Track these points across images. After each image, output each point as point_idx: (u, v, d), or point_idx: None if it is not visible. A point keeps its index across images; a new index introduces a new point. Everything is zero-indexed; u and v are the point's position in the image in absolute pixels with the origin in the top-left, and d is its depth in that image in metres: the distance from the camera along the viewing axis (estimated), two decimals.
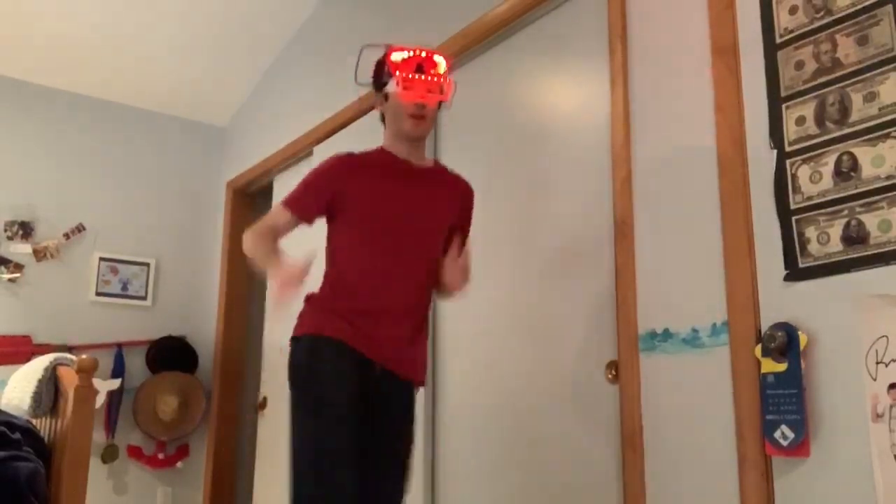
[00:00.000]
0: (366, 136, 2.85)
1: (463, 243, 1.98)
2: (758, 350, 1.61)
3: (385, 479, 1.80)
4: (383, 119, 1.94)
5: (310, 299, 1.88)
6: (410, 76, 1.81)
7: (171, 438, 4.09)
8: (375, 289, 1.82)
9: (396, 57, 1.84)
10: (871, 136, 1.49)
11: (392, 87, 1.83)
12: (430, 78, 1.83)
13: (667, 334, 1.84)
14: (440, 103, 1.90)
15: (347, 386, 1.74)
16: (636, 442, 1.86)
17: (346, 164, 1.90)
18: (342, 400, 1.72)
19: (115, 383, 3.88)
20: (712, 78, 1.81)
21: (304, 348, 1.80)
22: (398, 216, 1.85)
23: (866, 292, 1.45)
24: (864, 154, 1.50)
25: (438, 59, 1.87)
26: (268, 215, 1.93)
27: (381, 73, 1.88)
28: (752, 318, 1.64)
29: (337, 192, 1.86)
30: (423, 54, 1.85)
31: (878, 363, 1.39)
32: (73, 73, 4.05)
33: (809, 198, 1.58)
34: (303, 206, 1.90)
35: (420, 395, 2.56)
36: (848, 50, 1.55)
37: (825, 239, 1.54)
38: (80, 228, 4.06)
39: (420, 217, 1.87)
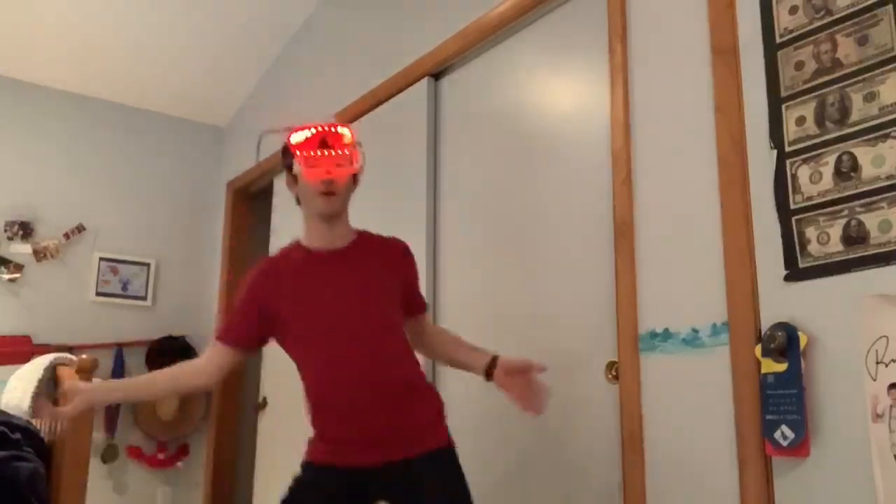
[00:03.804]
0: (366, 137, 2.85)
1: (419, 304, 1.93)
2: (758, 350, 1.61)
3: None
4: (298, 202, 1.86)
5: None
6: (314, 154, 1.76)
7: (171, 438, 4.09)
8: (334, 392, 1.74)
9: (297, 138, 1.78)
10: (871, 136, 1.49)
11: (297, 167, 1.78)
12: (335, 152, 1.77)
13: (667, 334, 1.84)
14: (354, 175, 1.83)
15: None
16: (636, 442, 1.86)
17: (262, 275, 1.84)
18: None
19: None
20: (712, 78, 1.81)
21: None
22: (327, 312, 1.76)
23: (866, 292, 1.45)
24: (864, 154, 1.50)
25: (343, 130, 1.81)
26: (205, 352, 1.88)
27: (287, 155, 1.81)
28: (752, 318, 1.64)
29: (263, 313, 1.80)
30: (327, 128, 1.79)
31: (878, 363, 1.39)
32: (74, 73, 4.05)
33: (809, 198, 1.58)
34: (228, 330, 1.85)
35: None
36: (848, 50, 1.55)
37: (825, 239, 1.54)
38: (80, 228, 4.05)
39: (351, 300, 1.77)
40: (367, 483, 1.71)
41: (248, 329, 1.83)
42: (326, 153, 1.77)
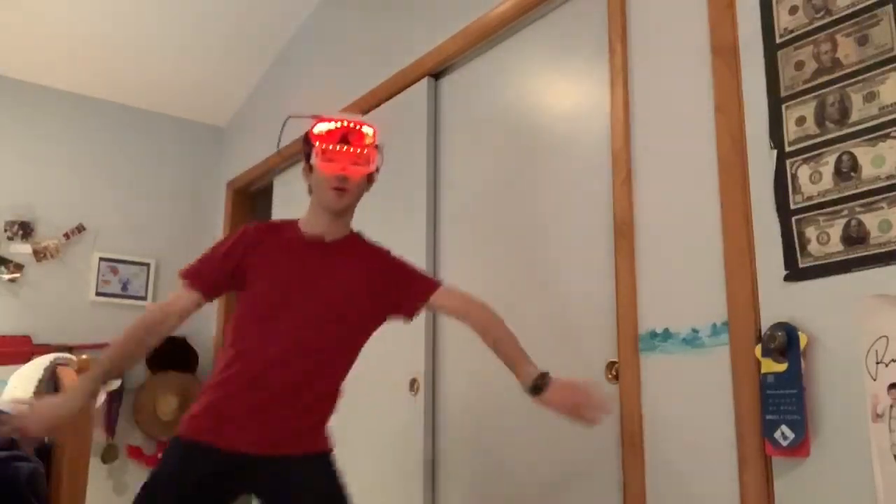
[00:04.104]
0: None
1: (426, 286, 1.87)
2: (758, 350, 1.61)
3: None
4: (311, 191, 1.87)
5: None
6: (333, 147, 1.76)
7: (171, 438, 4.09)
8: (263, 372, 1.70)
9: (320, 128, 1.79)
10: (871, 136, 1.49)
11: (314, 158, 1.78)
12: (355, 150, 1.77)
13: (667, 334, 1.84)
14: (369, 175, 1.84)
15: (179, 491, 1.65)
16: (636, 442, 1.86)
17: (250, 234, 1.84)
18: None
19: (115, 383, 3.87)
20: (712, 78, 1.81)
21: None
22: (295, 296, 1.75)
23: (866, 292, 1.45)
24: (864, 154, 1.50)
25: (367, 129, 1.81)
26: (169, 295, 1.83)
27: (308, 144, 1.82)
28: (752, 318, 1.64)
29: (239, 263, 1.79)
30: (351, 125, 1.80)
31: (878, 363, 1.39)
32: (73, 73, 4.04)
33: (809, 198, 1.58)
34: (200, 275, 1.81)
35: (420, 396, 2.57)
36: (848, 50, 1.55)
37: (825, 239, 1.54)
38: (80, 228, 4.05)
39: (322, 290, 1.77)
40: (240, 470, 1.68)
41: (218, 280, 1.82)
42: (345, 149, 1.78)
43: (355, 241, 1.91)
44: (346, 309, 1.81)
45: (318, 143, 1.78)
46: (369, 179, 1.88)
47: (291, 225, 1.88)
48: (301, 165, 1.91)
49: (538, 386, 1.70)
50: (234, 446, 1.68)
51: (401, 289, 1.88)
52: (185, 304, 1.80)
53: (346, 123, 1.81)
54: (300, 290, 1.77)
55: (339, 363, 1.81)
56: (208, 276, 1.83)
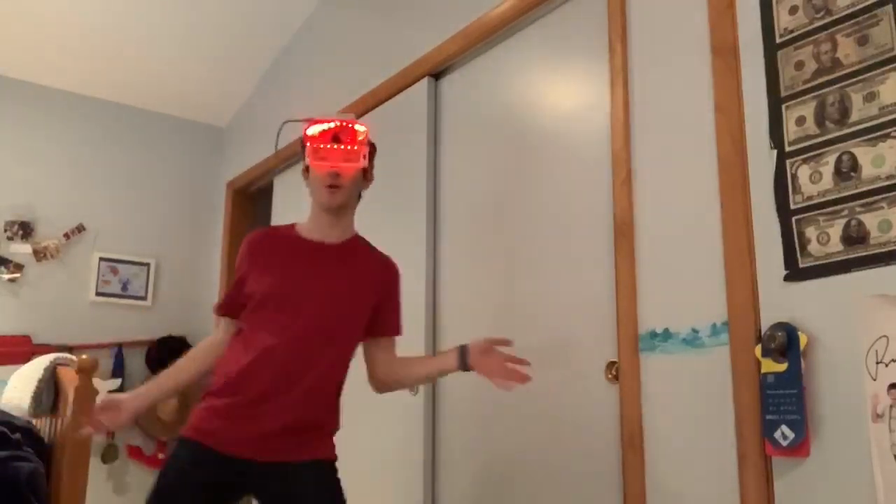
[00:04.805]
0: None
1: (395, 326, 1.91)
2: (758, 350, 1.61)
3: None
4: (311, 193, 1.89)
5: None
6: (324, 146, 1.79)
7: (171, 438, 4.08)
8: (263, 375, 1.72)
9: (313, 130, 1.82)
10: (871, 136, 1.49)
11: (307, 159, 1.82)
12: (345, 147, 1.80)
13: (667, 334, 1.84)
14: (364, 173, 1.86)
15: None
16: (636, 442, 1.86)
17: (249, 247, 1.87)
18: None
19: (115, 383, 3.88)
20: (712, 78, 1.81)
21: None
22: (295, 298, 1.77)
23: (866, 292, 1.45)
24: (864, 154, 1.50)
25: (359, 127, 1.84)
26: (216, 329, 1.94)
27: (304, 147, 1.85)
28: (752, 318, 1.64)
29: (243, 278, 1.84)
30: (343, 124, 1.82)
31: (878, 363, 1.39)
32: (74, 73, 4.05)
33: (809, 198, 1.58)
34: (223, 303, 1.90)
35: (420, 396, 2.57)
36: (848, 50, 1.55)
37: (825, 239, 1.54)
38: (80, 228, 4.06)
39: (322, 296, 1.79)
40: (241, 474, 1.70)
41: (236, 299, 1.86)
42: (336, 147, 1.80)
43: (356, 245, 1.91)
44: (341, 314, 1.81)
45: (310, 144, 1.81)
46: (366, 177, 1.89)
47: (289, 229, 1.90)
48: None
49: (463, 361, 1.80)
50: (235, 452, 1.70)
51: (381, 314, 1.89)
52: (221, 333, 1.91)
53: (337, 123, 1.83)
54: (298, 294, 1.78)
55: (335, 369, 1.82)
56: (227, 300, 1.89)
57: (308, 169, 1.85)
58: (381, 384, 1.93)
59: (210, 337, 1.94)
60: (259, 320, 1.78)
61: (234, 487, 1.74)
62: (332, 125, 1.82)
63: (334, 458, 1.79)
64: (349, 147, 1.80)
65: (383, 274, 1.91)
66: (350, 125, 1.84)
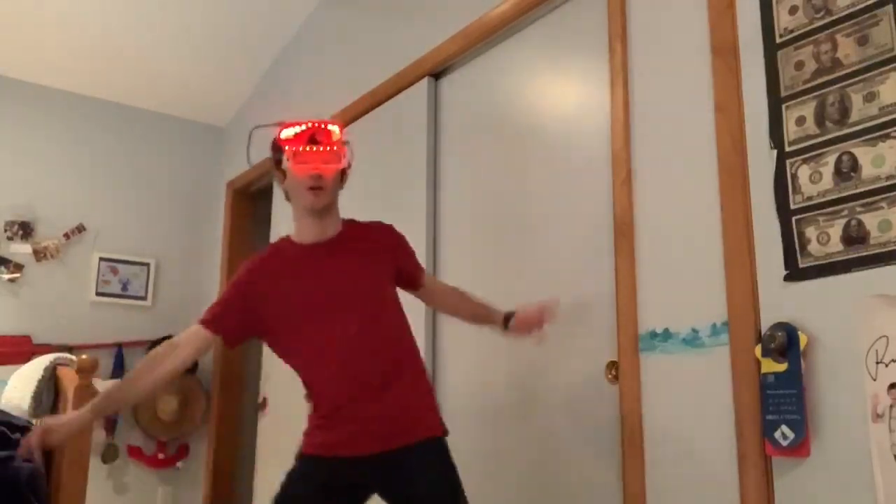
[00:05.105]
0: (366, 137, 2.86)
1: (418, 278, 1.97)
2: (758, 350, 1.61)
3: None
4: (288, 197, 1.89)
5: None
6: (303, 149, 1.79)
7: (171, 438, 4.09)
8: (326, 382, 1.77)
9: (287, 133, 1.82)
10: (871, 136, 1.49)
11: (286, 162, 1.81)
12: (324, 148, 1.80)
13: (667, 334, 1.84)
14: (342, 171, 1.86)
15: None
16: (636, 442, 1.86)
17: (250, 276, 1.86)
18: None
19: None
20: (712, 78, 1.81)
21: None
22: (315, 303, 1.79)
23: (866, 292, 1.45)
24: (864, 154, 1.50)
25: (333, 128, 1.84)
26: (182, 333, 1.86)
27: (277, 151, 1.84)
28: (752, 318, 1.64)
29: (249, 311, 1.82)
30: (318, 125, 1.82)
31: (878, 363, 1.39)
32: (73, 73, 4.05)
33: (809, 198, 1.58)
34: (215, 324, 1.84)
35: None
36: (848, 50, 1.55)
37: (825, 239, 1.54)
38: (80, 228, 4.06)
39: (338, 288, 1.80)
40: (357, 473, 1.74)
41: (232, 322, 1.84)
42: (315, 149, 1.80)
43: (350, 229, 1.92)
44: (365, 292, 1.83)
45: (287, 147, 1.80)
46: (343, 176, 1.89)
47: (284, 243, 1.90)
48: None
49: (506, 324, 1.97)
50: (344, 453, 1.74)
51: (402, 270, 1.94)
52: (199, 345, 1.85)
53: (311, 124, 1.83)
54: (319, 298, 1.80)
55: (385, 327, 1.82)
56: (223, 319, 1.85)
57: (285, 174, 1.84)
58: (443, 311, 2.17)
59: (169, 341, 1.87)
60: (301, 340, 1.80)
61: (356, 489, 1.79)
62: (306, 126, 1.82)
63: (440, 434, 1.79)
64: (328, 148, 1.81)
65: (388, 239, 1.94)
66: (324, 126, 1.84)
